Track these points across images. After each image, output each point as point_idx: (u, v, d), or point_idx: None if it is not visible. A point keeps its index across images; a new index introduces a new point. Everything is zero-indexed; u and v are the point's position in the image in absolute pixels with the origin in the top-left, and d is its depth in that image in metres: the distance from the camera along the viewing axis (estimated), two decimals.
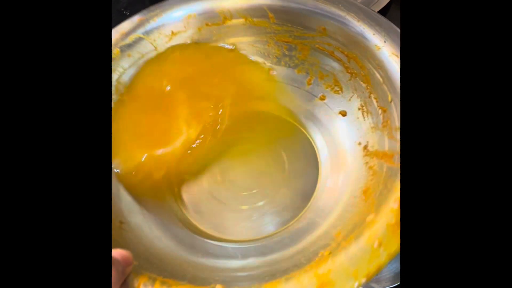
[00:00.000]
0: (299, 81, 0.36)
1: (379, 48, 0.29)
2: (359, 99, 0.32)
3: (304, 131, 0.35)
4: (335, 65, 0.33)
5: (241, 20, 0.34)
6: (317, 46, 0.33)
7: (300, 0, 0.32)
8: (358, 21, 0.30)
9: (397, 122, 0.27)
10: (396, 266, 0.29)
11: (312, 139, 0.34)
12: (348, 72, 0.32)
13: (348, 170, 0.31)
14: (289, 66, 0.35)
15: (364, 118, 0.31)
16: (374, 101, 0.30)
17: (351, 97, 0.33)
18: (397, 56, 0.28)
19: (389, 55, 0.28)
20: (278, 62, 0.36)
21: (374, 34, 0.30)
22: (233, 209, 0.31)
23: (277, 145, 0.34)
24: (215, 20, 0.34)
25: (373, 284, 0.29)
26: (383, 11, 0.43)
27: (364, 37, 0.30)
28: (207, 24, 0.34)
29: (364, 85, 0.31)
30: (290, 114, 0.35)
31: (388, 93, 0.28)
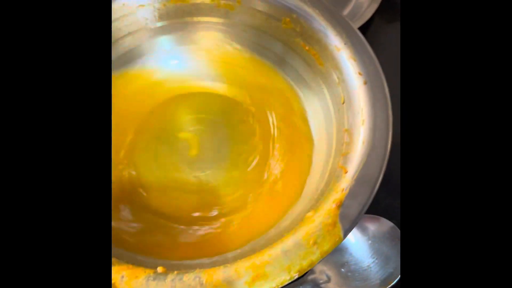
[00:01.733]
0: None
1: (339, 49, 0.30)
2: (316, 97, 0.33)
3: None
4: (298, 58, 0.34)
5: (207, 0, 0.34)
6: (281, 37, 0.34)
7: None
8: (323, 20, 0.31)
9: (346, 124, 0.28)
10: (382, 273, 0.30)
11: None
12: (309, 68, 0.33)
13: None
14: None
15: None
16: (330, 102, 0.31)
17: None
18: (354, 60, 0.29)
19: (347, 58, 0.29)
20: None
21: (335, 35, 0.30)
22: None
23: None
24: None
25: None
26: (367, 24, 0.44)
27: (326, 36, 0.31)
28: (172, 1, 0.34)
29: (321, 83, 0.32)
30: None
31: (342, 94, 0.29)
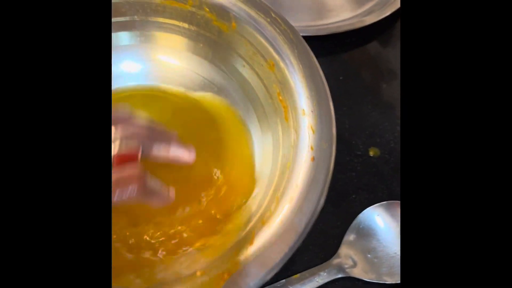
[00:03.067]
0: None
1: (304, 114, 0.29)
2: (272, 148, 0.32)
3: None
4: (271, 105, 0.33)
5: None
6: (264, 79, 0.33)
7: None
8: (302, 77, 0.30)
9: (279, 192, 0.27)
10: None
11: None
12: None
13: None
14: None
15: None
16: (280, 161, 0.30)
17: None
18: (313, 131, 0.28)
19: (307, 126, 0.28)
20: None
21: (306, 98, 0.29)
22: None
23: None
24: None
25: (385, 277, 0.30)
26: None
27: (299, 95, 0.30)
28: None
29: (281, 138, 0.31)
30: None
31: (291, 159, 0.28)
